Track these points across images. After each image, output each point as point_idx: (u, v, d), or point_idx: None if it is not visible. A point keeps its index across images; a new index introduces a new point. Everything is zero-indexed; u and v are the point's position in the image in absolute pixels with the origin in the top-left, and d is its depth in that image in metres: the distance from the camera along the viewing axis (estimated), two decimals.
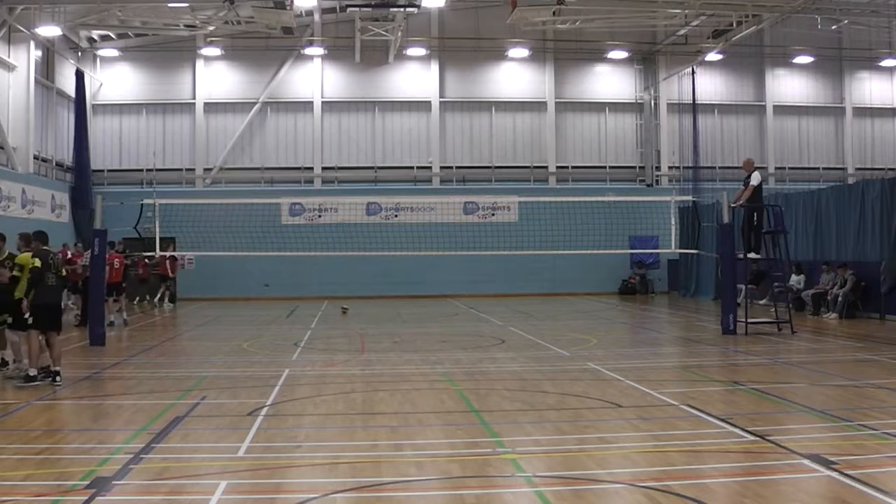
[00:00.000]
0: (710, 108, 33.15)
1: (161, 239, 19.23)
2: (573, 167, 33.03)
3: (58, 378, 11.64)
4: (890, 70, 34.37)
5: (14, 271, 11.71)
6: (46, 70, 28.67)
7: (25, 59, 26.38)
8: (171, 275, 27.62)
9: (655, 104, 33.42)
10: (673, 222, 19.72)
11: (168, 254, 25.92)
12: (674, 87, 33.13)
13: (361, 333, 18.70)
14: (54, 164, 29.19)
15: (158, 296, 27.56)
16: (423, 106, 32.50)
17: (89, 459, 7.44)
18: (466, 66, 32.62)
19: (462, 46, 31.90)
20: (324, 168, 32.20)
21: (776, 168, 33.53)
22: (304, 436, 8.65)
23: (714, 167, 32.29)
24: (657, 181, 33.24)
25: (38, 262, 11.72)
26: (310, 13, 31.16)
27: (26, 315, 11.58)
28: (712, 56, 31.12)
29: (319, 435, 8.80)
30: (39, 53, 27.67)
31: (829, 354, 14.63)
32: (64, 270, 13.22)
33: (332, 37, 31.75)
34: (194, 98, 31.86)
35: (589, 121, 33.34)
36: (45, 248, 12.19)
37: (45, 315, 11.74)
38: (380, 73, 32.39)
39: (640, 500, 6.25)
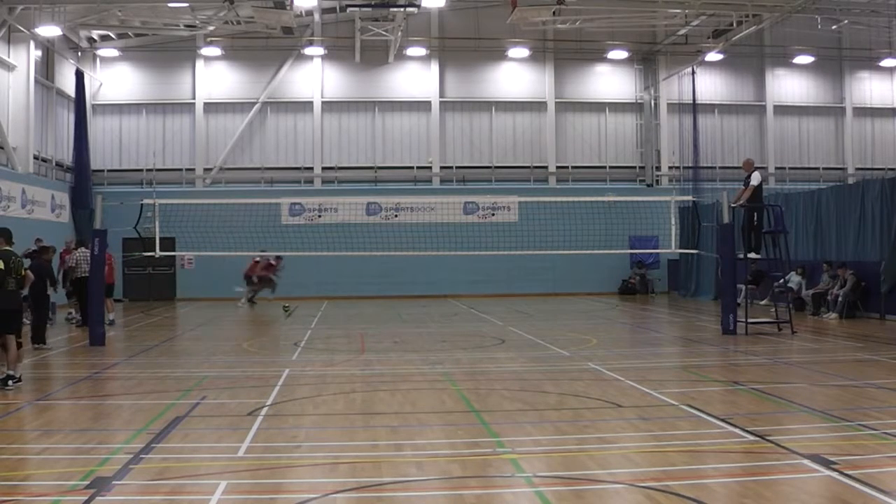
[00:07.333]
0: (710, 108, 33.15)
1: (162, 239, 19.11)
2: (573, 167, 33.03)
3: (9, 382, 10.98)
4: (890, 70, 34.37)
5: None
6: (46, 70, 28.66)
7: (25, 59, 26.37)
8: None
9: (655, 104, 33.41)
10: (673, 222, 19.67)
11: (275, 254, 25.43)
12: (674, 87, 33.12)
13: (361, 333, 18.70)
14: (54, 163, 29.18)
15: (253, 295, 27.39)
16: (423, 106, 32.49)
17: (89, 459, 7.43)
18: (466, 66, 32.60)
19: (462, 46, 31.89)
20: (324, 168, 32.19)
21: (776, 168, 33.53)
22: (304, 436, 8.65)
23: (714, 167, 32.27)
24: (657, 181, 33.23)
25: (0, 265, 11.03)
26: (310, 13, 31.14)
27: None
28: (712, 56, 31.10)
29: (319, 435, 8.79)
30: (39, 53, 27.66)
31: (829, 354, 14.61)
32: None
33: (332, 37, 31.74)
34: (194, 98, 31.85)
35: (589, 121, 33.34)
36: (6, 248, 11.37)
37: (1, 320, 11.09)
38: (380, 73, 32.37)
39: (640, 500, 6.25)
